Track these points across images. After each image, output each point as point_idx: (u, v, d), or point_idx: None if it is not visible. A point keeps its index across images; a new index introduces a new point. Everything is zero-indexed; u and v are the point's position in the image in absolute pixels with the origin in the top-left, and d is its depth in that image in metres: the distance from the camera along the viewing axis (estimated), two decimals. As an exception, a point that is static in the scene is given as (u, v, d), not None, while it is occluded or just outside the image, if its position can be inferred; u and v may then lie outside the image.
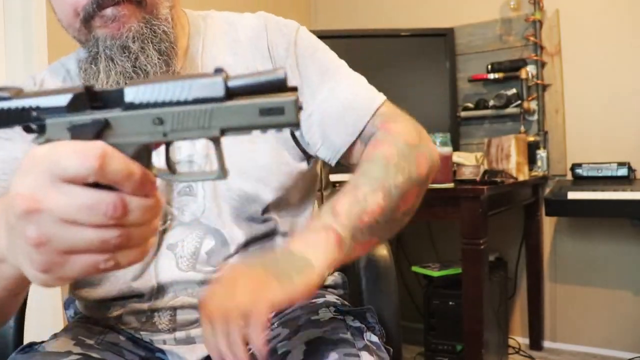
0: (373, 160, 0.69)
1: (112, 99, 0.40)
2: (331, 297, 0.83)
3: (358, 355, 0.66)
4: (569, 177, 2.24)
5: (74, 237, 0.37)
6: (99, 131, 0.39)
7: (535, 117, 2.31)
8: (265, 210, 0.77)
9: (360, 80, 0.81)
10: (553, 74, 2.31)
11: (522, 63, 2.30)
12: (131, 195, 0.38)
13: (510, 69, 2.32)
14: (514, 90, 2.31)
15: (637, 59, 2.15)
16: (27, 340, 0.86)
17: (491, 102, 2.34)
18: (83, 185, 0.36)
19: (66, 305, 0.92)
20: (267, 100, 0.38)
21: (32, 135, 0.41)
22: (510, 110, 2.31)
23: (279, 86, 0.38)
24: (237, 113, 0.38)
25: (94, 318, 0.81)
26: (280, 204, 0.78)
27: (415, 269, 2.18)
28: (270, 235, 0.78)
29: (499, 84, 2.37)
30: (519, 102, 2.30)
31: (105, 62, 0.69)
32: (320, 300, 0.81)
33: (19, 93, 0.40)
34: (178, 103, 0.39)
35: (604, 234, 2.22)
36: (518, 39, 2.35)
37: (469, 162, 2.03)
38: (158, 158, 0.42)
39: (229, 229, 0.75)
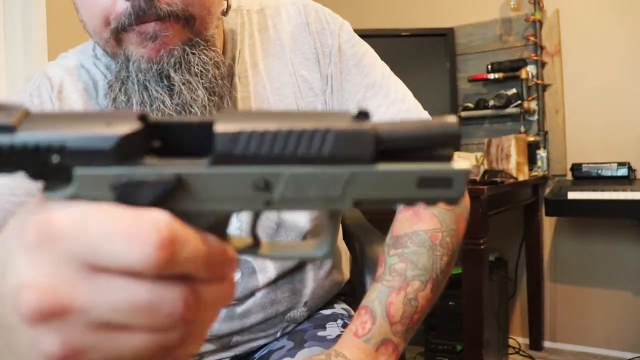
0: (419, 241, 0.65)
1: (194, 142, 0.26)
2: (339, 308, 0.82)
3: None
4: (569, 177, 2.24)
5: (120, 346, 0.24)
6: (166, 194, 0.25)
7: (535, 117, 2.31)
8: (303, 238, 0.71)
9: (406, 97, 0.76)
10: (553, 74, 2.31)
11: (522, 63, 2.30)
12: (204, 283, 0.25)
13: (510, 69, 2.32)
14: (514, 90, 2.31)
15: (637, 59, 2.15)
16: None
17: (491, 102, 2.34)
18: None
19: None
20: (432, 169, 0.26)
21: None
22: (510, 110, 2.31)
23: (450, 142, 0.26)
24: (387, 182, 0.25)
25: None
26: (316, 231, 0.72)
27: (415, 268, 2.17)
28: (300, 267, 0.74)
29: (499, 84, 2.37)
30: (519, 102, 2.30)
31: (139, 92, 0.56)
32: (329, 311, 0.80)
33: (24, 117, 0.25)
34: (302, 160, 0.25)
35: (604, 234, 2.22)
36: (518, 39, 2.35)
37: (469, 162, 2.04)
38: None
39: (259, 260, 0.70)
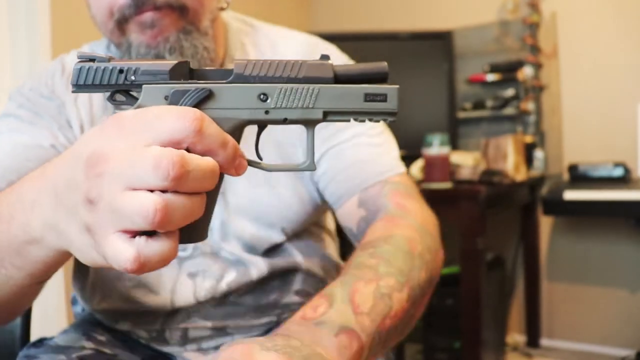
0: (395, 243, 0.59)
1: (216, 76, 0.40)
2: None
3: None
4: (566, 177, 2.26)
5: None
6: (201, 101, 0.37)
7: (532, 117, 2.33)
8: (279, 244, 0.75)
9: (389, 140, 0.78)
10: (550, 76, 2.33)
11: (519, 65, 2.32)
12: (221, 162, 0.35)
13: (508, 71, 2.34)
14: (511, 92, 2.33)
15: (633, 61, 2.18)
16: (33, 335, 0.87)
17: (489, 103, 2.36)
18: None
19: (73, 301, 0.92)
20: (373, 87, 0.39)
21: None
22: (508, 111, 2.33)
23: (382, 78, 0.40)
24: (343, 96, 0.39)
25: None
26: (293, 238, 0.77)
27: (414, 268, 2.19)
28: (292, 270, 0.76)
29: (497, 85, 2.39)
30: (516, 103, 2.32)
31: None
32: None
33: (112, 58, 0.39)
34: (287, 80, 0.39)
35: (600, 233, 2.25)
36: (515, 41, 2.38)
37: (467, 162, 2.05)
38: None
39: (250, 260, 0.73)
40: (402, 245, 0.59)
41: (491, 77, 2.37)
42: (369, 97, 0.39)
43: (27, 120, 0.71)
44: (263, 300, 0.75)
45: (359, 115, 0.40)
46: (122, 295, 0.73)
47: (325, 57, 0.40)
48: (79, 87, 0.38)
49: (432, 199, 1.79)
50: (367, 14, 2.72)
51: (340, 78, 0.40)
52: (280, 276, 0.76)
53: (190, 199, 0.34)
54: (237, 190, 0.73)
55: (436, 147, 1.79)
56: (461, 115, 2.44)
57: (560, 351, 2.31)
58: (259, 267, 0.73)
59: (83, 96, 0.73)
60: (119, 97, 0.39)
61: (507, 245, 2.40)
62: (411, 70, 2.36)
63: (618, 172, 2.09)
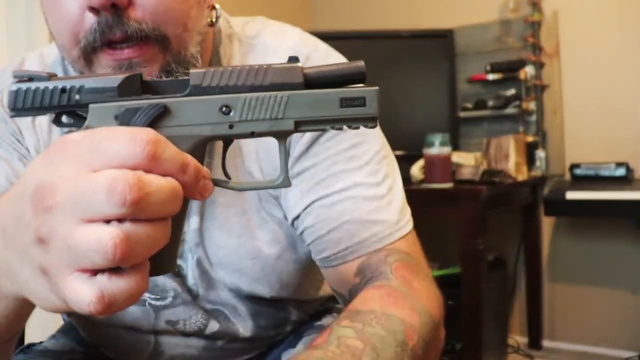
0: (390, 327, 0.48)
1: (171, 89, 0.35)
2: (332, 304, 0.80)
3: None
4: (568, 177, 2.25)
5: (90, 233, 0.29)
6: (155, 119, 0.33)
7: (534, 117, 2.32)
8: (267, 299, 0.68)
9: (394, 187, 0.64)
10: (551, 75, 2.32)
11: (520, 64, 2.31)
12: (183, 184, 0.31)
13: (509, 70, 2.33)
14: (512, 91, 2.32)
15: (635, 60, 2.16)
16: (27, 340, 0.86)
17: (490, 103, 2.35)
18: None
19: None
20: (349, 90, 0.35)
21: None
22: (509, 110, 2.32)
23: (359, 79, 0.36)
24: (316, 102, 0.34)
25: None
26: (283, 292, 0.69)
27: (414, 268, 2.18)
28: (282, 310, 0.72)
29: (498, 85, 2.38)
30: (518, 102, 2.31)
31: None
32: (322, 308, 0.79)
33: (54, 76, 0.35)
34: (252, 88, 0.34)
35: (603, 234, 2.23)
36: (517, 40, 2.36)
37: (468, 162, 2.04)
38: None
39: (232, 308, 0.67)
40: (397, 332, 0.48)
41: (492, 77, 2.36)
42: (345, 102, 0.34)
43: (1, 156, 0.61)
44: (256, 343, 0.72)
45: (336, 123, 0.35)
46: (103, 334, 0.70)
47: (294, 59, 0.35)
48: (18, 111, 0.34)
49: (433, 199, 1.81)
50: (367, 13, 2.71)
51: (312, 82, 0.35)
52: (271, 316, 0.71)
53: (154, 226, 0.30)
54: (216, 241, 0.65)
55: (437, 147, 1.78)
56: (462, 114, 2.43)
57: (562, 352, 2.30)
58: (245, 327, 0.68)
59: (41, 117, 0.61)
60: (66, 120, 0.35)
61: (509, 245, 2.39)
62: (412, 69, 2.35)
63: (620, 172, 2.08)
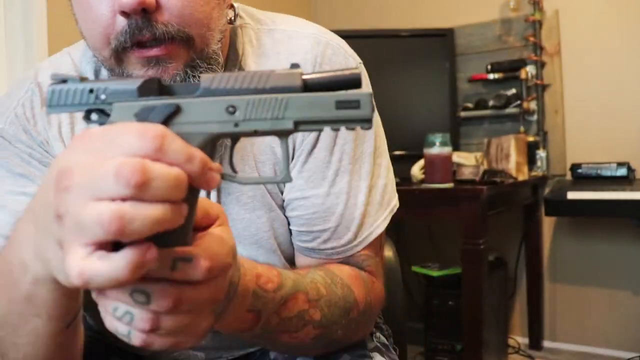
0: (346, 293, 0.63)
1: (184, 91, 0.40)
2: None
3: (370, 357, 0.66)
4: (569, 177, 2.25)
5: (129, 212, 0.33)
6: (168, 116, 0.38)
7: (535, 117, 2.32)
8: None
9: (386, 184, 0.71)
10: (552, 74, 2.31)
11: (521, 63, 2.30)
12: (192, 176, 0.35)
13: (510, 69, 2.32)
14: (513, 91, 2.31)
15: (637, 59, 2.16)
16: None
17: (491, 102, 2.34)
18: None
19: None
20: (344, 93, 0.38)
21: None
22: (510, 110, 2.31)
23: (354, 84, 0.39)
24: (314, 104, 0.38)
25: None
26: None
27: (415, 268, 2.18)
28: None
29: (499, 84, 2.37)
30: (519, 102, 2.30)
31: None
32: None
33: (85, 79, 0.41)
34: (254, 91, 0.39)
35: (604, 234, 2.23)
36: (518, 39, 2.36)
37: (468, 162, 2.04)
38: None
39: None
40: (347, 301, 0.63)
41: (493, 76, 2.35)
42: (340, 105, 0.38)
43: (19, 172, 0.64)
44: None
45: (333, 123, 0.38)
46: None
47: (295, 66, 0.39)
48: (53, 107, 0.40)
49: (433, 199, 1.80)
50: (367, 12, 2.70)
51: (311, 87, 0.39)
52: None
53: (156, 207, 0.33)
54: (233, 214, 0.68)
55: (437, 146, 1.78)
56: (463, 114, 2.42)
57: (563, 353, 2.29)
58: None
59: (65, 126, 0.66)
60: (94, 116, 0.40)
61: (509, 246, 2.39)
62: (412, 68, 2.34)
63: (622, 172, 2.08)
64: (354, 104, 0.38)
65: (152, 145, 0.33)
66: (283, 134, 0.39)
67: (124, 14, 0.53)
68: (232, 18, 0.66)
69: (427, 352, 2.06)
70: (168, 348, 0.39)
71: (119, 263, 0.32)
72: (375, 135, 0.70)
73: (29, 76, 0.69)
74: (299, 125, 0.38)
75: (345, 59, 0.69)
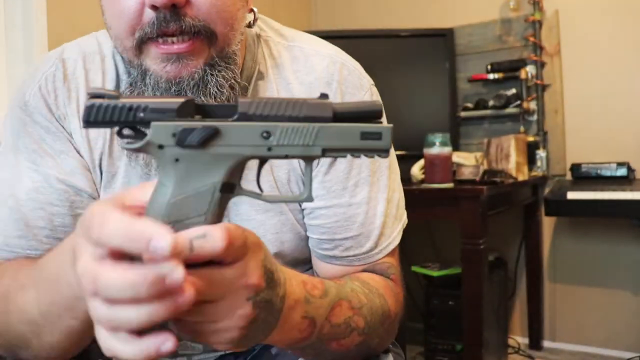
0: (381, 303, 0.64)
1: (221, 113, 0.42)
2: None
3: (378, 356, 0.67)
4: (569, 177, 2.24)
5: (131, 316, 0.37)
6: (207, 138, 0.39)
7: (535, 117, 2.32)
8: None
9: (400, 198, 0.75)
10: (552, 74, 2.31)
11: (521, 63, 2.30)
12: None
13: (510, 69, 2.32)
14: (513, 91, 2.31)
15: (637, 59, 2.16)
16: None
17: (491, 102, 2.34)
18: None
19: None
20: (369, 125, 0.41)
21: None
22: (510, 110, 2.31)
23: (376, 116, 0.42)
24: (341, 134, 0.41)
25: None
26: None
27: (415, 268, 2.18)
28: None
29: (499, 84, 2.37)
30: (519, 102, 2.30)
31: None
32: None
33: (121, 94, 0.41)
34: (289, 118, 0.41)
35: (604, 234, 2.23)
36: (518, 39, 2.36)
37: (468, 162, 2.04)
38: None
39: None
40: (384, 310, 0.65)
41: (493, 76, 2.35)
42: (365, 136, 0.41)
43: (60, 149, 0.66)
44: None
45: (355, 152, 0.41)
46: None
47: (324, 96, 0.42)
48: (90, 123, 0.40)
49: (433, 199, 1.80)
50: (367, 12, 2.70)
51: (339, 116, 0.42)
52: None
53: (114, 307, 0.36)
54: (242, 213, 0.69)
55: (437, 147, 1.78)
56: (463, 114, 2.42)
57: (563, 353, 2.29)
58: None
59: (83, 104, 0.66)
60: (127, 132, 0.41)
61: (509, 245, 2.39)
62: (412, 69, 2.34)
63: (621, 172, 2.08)
64: (377, 136, 0.41)
65: (141, 247, 0.35)
66: (310, 159, 0.42)
67: (154, 7, 0.54)
68: (251, 22, 0.68)
69: (427, 352, 2.06)
70: (209, 340, 0.41)
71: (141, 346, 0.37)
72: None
73: (55, 52, 0.70)
74: (326, 152, 0.41)
75: (360, 80, 0.72)
